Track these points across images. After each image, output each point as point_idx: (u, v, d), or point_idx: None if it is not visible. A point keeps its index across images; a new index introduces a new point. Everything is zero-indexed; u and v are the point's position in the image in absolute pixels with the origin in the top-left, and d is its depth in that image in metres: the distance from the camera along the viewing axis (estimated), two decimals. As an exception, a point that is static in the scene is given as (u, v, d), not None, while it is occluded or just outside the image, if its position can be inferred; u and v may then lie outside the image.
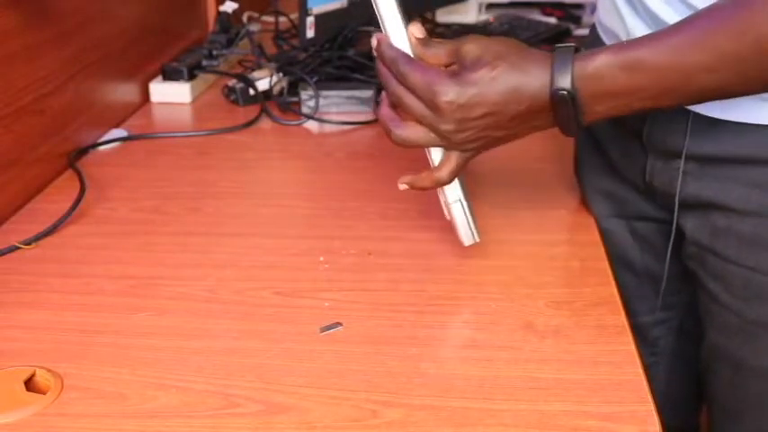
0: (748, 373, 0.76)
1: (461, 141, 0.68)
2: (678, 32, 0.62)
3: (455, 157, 0.70)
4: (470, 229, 0.74)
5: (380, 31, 0.70)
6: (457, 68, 0.67)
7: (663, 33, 0.63)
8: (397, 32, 0.69)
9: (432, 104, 0.67)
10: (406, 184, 0.73)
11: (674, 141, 0.72)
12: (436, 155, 0.71)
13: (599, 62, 0.63)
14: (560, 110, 0.65)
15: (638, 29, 0.72)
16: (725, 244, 0.73)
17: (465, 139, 0.68)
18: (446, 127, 0.67)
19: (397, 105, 0.70)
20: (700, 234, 0.75)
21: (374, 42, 0.70)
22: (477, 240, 0.74)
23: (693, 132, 0.71)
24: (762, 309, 0.73)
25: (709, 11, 0.62)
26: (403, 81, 0.68)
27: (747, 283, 0.72)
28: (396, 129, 0.69)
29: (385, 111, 0.71)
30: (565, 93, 0.64)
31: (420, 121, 0.68)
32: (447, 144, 0.69)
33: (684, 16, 0.67)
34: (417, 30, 0.69)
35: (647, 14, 0.71)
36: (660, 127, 0.74)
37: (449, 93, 0.66)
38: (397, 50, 0.69)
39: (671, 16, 0.68)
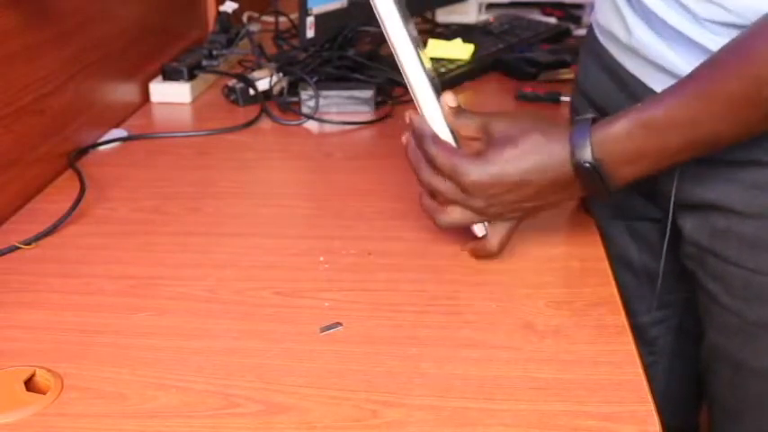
0: (748, 374, 0.76)
1: (495, 215, 0.73)
2: (688, 86, 0.64)
3: (500, 226, 0.75)
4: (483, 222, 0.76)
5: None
6: (482, 146, 0.71)
7: (674, 89, 0.65)
8: (429, 101, 0.73)
9: (459, 184, 0.71)
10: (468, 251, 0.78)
11: None
12: (477, 227, 0.76)
13: (617, 128, 0.66)
14: (587, 180, 0.67)
15: (639, 28, 0.72)
16: (725, 245, 0.73)
17: (498, 213, 0.72)
18: (477, 204, 0.71)
19: (429, 191, 0.74)
20: (699, 235, 0.75)
21: (407, 119, 0.74)
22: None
23: None
24: (762, 310, 0.73)
25: (714, 61, 0.63)
26: (431, 161, 0.72)
27: (748, 284, 0.72)
28: (439, 216, 0.74)
29: (426, 201, 0.75)
30: (588, 165, 0.66)
31: (454, 201, 0.72)
32: (486, 218, 0.73)
33: (682, 18, 0.67)
34: (450, 99, 0.73)
35: (646, 13, 0.71)
36: None
37: (471, 173, 0.70)
38: (427, 129, 0.73)
39: (672, 17, 0.68)
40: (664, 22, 0.69)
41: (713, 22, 0.65)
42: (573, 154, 0.67)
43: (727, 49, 0.63)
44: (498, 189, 0.69)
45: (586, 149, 0.66)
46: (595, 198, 0.70)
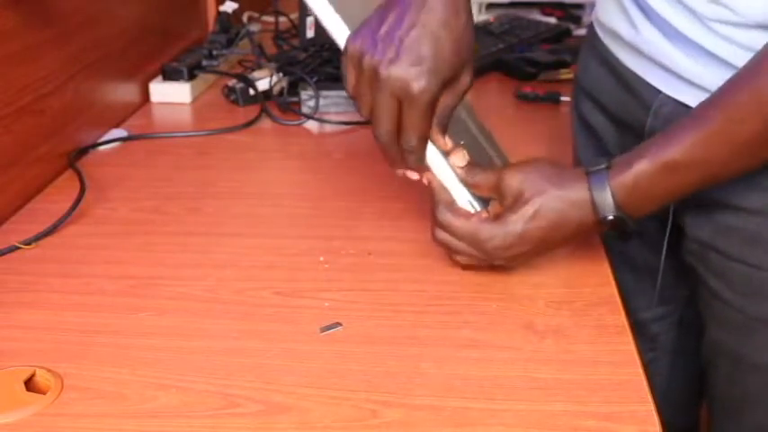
0: (748, 369, 0.77)
1: (516, 265, 0.74)
2: (706, 125, 0.64)
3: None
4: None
5: None
6: (498, 206, 0.70)
7: (692, 127, 0.64)
8: (437, 163, 0.71)
9: (479, 249, 0.70)
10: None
11: None
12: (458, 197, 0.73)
13: (637, 172, 0.65)
14: (609, 227, 0.67)
15: (646, 28, 0.72)
16: (727, 241, 0.73)
17: (519, 264, 0.73)
18: (499, 263, 0.72)
19: (447, 250, 0.73)
20: (701, 231, 0.75)
21: (425, 182, 0.73)
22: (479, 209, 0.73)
23: None
24: (763, 305, 0.73)
25: (730, 99, 0.63)
26: (446, 228, 0.71)
27: (749, 280, 0.73)
28: (456, 256, 0.73)
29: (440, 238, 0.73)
30: (612, 217, 0.66)
31: (473, 260, 0.72)
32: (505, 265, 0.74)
33: (687, 21, 0.67)
34: (459, 158, 0.71)
35: (652, 13, 0.71)
36: (662, 124, 0.74)
37: (494, 239, 0.69)
38: (441, 197, 0.72)
39: (676, 18, 0.68)
40: (669, 24, 0.69)
41: (719, 22, 0.65)
42: (595, 210, 0.66)
43: (742, 86, 0.63)
44: (520, 249, 0.69)
45: (608, 203, 0.66)
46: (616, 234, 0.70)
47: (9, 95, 0.87)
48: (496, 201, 0.71)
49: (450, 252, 0.74)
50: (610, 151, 0.84)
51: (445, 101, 0.67)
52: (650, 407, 0.59)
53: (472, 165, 0.72)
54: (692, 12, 0.67)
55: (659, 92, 0.73)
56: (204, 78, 1.28)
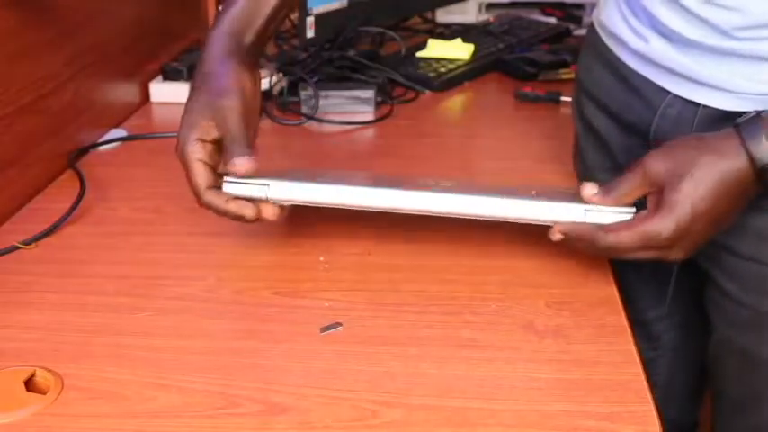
0: (758, 365, 0.77)
1: (695, 250, 0.67)
2: None
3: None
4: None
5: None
6: (655, 198, 0.65)
7: None
8: (571, 213, 0.68)
9: (658, 246, 0.65)
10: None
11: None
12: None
13: None
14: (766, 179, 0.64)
15: (655, 39, 0.72)
16: (741, 240, 0.73)
17: (699, 247, 0.67)
18: (678, 254, 0.66)
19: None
20: None
21: (556, 238, 0.69)
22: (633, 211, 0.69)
23: (701, 128, 0.71)
24: None
25: None
26: (616, 250, 0.66)
27: (763, 278, 0.73)
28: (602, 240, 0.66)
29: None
30: None
31: (657, 260, 0.67)
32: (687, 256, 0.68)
33: (704, 32, 0.67)
34: (590, 187, 0.68)
35: (656, 23, 0.71)
36: (668, 123, 0.74)
37: (666, 229, 0.64)
38: (586, 230, 0.67)
39: (691, 32, 0.68)
40: (679, 35, 0.69)
41: (733, 28, 0.65)
42: (752, 159, 0.62)
43: None
44: (696, 226, 0.64)
45: (766, 151, 0.62)
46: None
47: (9, 95, 0.87)
48: (651, 194, 0.66)
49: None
50: (614, 153, 0.84)
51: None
52: (650, 407, 0.59)
53: (604, 184, 0.68)
54: (703, 20, 0.67)
55: (667, 93, 0.73)
56: (204, 78, 1.28)
